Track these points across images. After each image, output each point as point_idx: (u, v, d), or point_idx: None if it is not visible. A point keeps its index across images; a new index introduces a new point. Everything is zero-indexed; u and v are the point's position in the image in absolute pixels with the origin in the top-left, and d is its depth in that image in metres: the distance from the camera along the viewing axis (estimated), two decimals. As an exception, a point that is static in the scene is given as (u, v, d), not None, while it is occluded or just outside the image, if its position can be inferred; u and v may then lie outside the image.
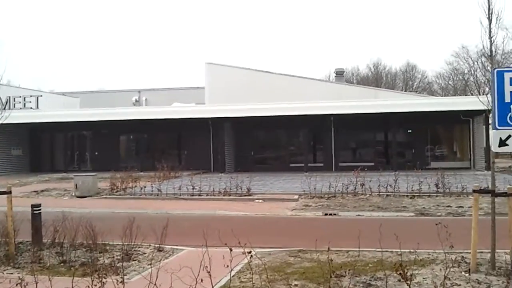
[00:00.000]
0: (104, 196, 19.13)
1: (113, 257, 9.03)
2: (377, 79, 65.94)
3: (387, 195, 17.08)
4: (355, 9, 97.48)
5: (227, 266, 5.67)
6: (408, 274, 6.32)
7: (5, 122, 29.22)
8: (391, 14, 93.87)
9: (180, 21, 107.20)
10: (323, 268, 7.70)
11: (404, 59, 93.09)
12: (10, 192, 8.89)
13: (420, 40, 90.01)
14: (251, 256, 5.77)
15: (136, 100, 40.22)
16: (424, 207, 14.96)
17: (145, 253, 9.46)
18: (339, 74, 41.65)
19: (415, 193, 17.00)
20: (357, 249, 9.37)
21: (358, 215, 14.27)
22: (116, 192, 19.60)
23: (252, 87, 31.38)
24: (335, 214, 14.38)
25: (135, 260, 8.90)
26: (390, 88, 56.79)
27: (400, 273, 6.20)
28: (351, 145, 32.05)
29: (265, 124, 29.94)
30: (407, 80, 67.60)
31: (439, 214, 14.06)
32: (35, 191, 20.89)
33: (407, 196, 16.89)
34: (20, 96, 31.86)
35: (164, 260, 8.93)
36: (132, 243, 9.52)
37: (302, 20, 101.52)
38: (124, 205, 16.96)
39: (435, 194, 16.93)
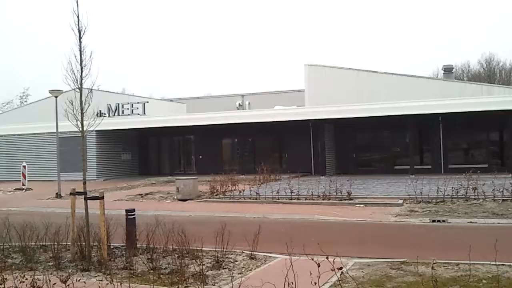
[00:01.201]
0: (204, 200, 19.24)
1: (204, 264, 8.78)
2: (489, 75, 61.53)
3: (503, 200, 15.47)
4: (461, 1, 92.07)
5: (321, 277, 5.14)
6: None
7: (115, 128, 30.98)
8: (503, 4, 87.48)
9: (279, 24, 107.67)
10: (429, 283, 6.90)
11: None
12: (102, 198, 8.93)
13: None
14: (342, 273, 5.20)
15: (239, 105, 40.63)
16: (547, 214, 13.34)
17: (236, 261, 9.11)
18: (448, 70, 39.19)
19: (536, 197, 15.27)
20: (469, 261, 8.40)
21: (470, 222, 12.99)
22: (216, 195, 19.67)
23: (354, 87, 30.32)
24: (443, 221, 13.20)
25: (225, 268, 8.57)
26: (504, 85, 52.74)
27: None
28: (461, 145, 29.89)
29: (367, 125, 28.80)
30: (524, 75, 62.47)
31: None
32: (140, 194, 21.54)
33: (526, 201, 15.22)
34: (128, 103, 33.33)
35: (255, 269, 8.57)
36: (225, 250, 9.25)
37: (406, 15, 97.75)
38: (223, 208, 16.92)
39: (560, 199, 15.10)
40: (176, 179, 20.50)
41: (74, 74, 9.29)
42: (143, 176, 32.45)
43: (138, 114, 32.64)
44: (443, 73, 40.52)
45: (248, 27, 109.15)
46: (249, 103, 40.57)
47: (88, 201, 9.30)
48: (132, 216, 10.23)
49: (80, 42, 9.36)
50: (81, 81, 9.38)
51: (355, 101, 27.52)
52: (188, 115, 33.65)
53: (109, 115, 33.18)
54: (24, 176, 26.84)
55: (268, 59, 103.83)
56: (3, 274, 6.57)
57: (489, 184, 16.51)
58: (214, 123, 30.21)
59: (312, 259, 5.42)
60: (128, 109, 33.08)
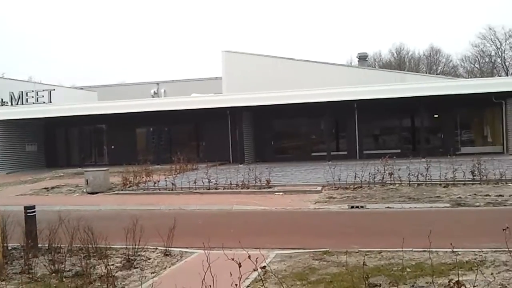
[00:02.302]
0: (116, 192, 18.19)
1: (113, 264, 7.98)
2: (400, 64, 63.92)
3: (418, 184, 15.75)
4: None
5: (242, 274, 4.60)
6: (454, 280, 5.13)
7: (18, 117, 28.81)
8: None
9: (195, 10, 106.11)
10: (354, 274, 6.57)
11: (427, 43, 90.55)
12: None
13: (443, 23, 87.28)
14: (265, 272, 4.69)
15: (154, 92, 39.36)
16: (460, 197, 13.63)
17: (150, 259, 8.38)
18: (362, 58, 40.12)
19: (449, 181, 15.64)
20: (391, 249, 8.21)
21: (388, 207, 13.00)
22: (129, 187, 18.65)
23: (271, 74, 30.11)
24: (362, 207, 13.14)
25: (137, 267, 7.82)
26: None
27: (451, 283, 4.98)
28: (375, 131, 30.61)
29: (285, 113, 28.70)
30: (431, 65, 65.49)
31: (477, 204, 12.76)
32: (45, 188, 20.05)
33: (440, 185, 15.54)
34: (32, 91, 31.03)
35: (169, 267, 7.90)
36: (136, 247, 8.48)
37: (320, 4, 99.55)
38: (136, 201, 16.03)
39: (471, 182, 15.57)
40: (85, 171, 19.25)
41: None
42: (50, 168, 30.45)
43: (44, 102, 30.47)
44: (358, 60, 41.47)
45: (165, 13, 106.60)
46: (164, 91, 39.41)
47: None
48: (32, 214, 9.19)
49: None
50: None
51: (273, 89, 27.29)
52: (98, 103, 32.02)
53: (11, 104, 30.77)
54: None
55: (185, 46, 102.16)
56: None
57: (404, 169, 16.77)
58: (127, 111, 28.85)
59: (232, 259, 4.80)
60: (32, 97, 30.77)
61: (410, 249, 7.98)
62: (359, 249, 8.27)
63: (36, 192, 19.27)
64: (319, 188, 16.26)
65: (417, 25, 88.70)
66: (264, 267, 4.87)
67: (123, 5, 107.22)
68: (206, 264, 5.20)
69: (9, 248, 8.90)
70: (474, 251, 7.81)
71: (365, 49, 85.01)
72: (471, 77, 54.81)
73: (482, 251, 7.74)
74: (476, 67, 61.69)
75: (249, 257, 4.57)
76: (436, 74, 50.95)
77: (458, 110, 28.49)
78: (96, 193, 18.06)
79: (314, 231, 10.77)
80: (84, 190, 18.53)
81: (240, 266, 4.57)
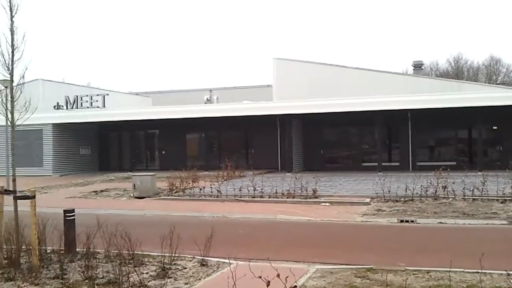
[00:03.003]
0: (163, 197, 18.18)
1: (147, 272, 7.79)
2: (457, 74, 61.83)
3: (473, 199, 14.87)
4: (431, 0, 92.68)
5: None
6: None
7: (72, 121, 29.46)
8: (471, 5, 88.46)
9: (249, 18, 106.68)
10: (397, 295, 6.10)
11: (487, 53, 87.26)
12: (33, 197, 7.78)
13: (504, 31, 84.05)
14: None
15: (207, 99, 39.44)
16: (518, 214, 12.75)
17: (185, 268, 8.13)
18: (417, 67, 38.92)
19: (507, 197, 14.68)
20: (441, 268, 7.64)
21: (440, 222, 12.30)
22: (175, 192, 18.62)
23: (323, 82, 29.54)
24: (412, 221, 12.49)
25: (171, 277, 7.57)
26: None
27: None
28: (430, 142, 29.48)
29: (336, 121, 28.13)
30: (491, 75, 62.96)
31: (537, 222, 11.86)
32: (94, 191, 20.32)
33: (497, 200, 14.61)
34: (87, 95, 31.80)
35: (204, 278, 7.62)
36: (173, 255, 8.28)
37: (376, 11, 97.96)
38: (181, 207, 15.92)
39: (531, 199, 14.56)
40: (133, 175, 19.38)
41: (4, 57, 8.15)
42: (103, 172, 31.07)
43: (98, 107, 31.14)
44: (413, 69, 40.27)
45: (219, 20, 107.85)
46: (217, 98, 39.47)
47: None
48: (71, 218, 9.16)
49: (12, 21, 8.27)
50: (12, 65, 8.22)
51: (323, 97, 26.78)
52: (151, 108, 32.39)
53: (67, 108, 31.60)
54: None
55: (237, 54, 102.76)
56: None
57: (458, 183, 15.92)
58: (178, 117, 29.06)
59: (260, 276, 4.45)
60: (87, 101, 31.51)
61: (462, 269, 7.43)
62: (406, 268, 7.75)
63: (85, 195, 19.55)
64: (367, 200, 15.66)
65: (477, 34, 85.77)
66: (295, 287, 4.47)
67: (179, 14, 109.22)
68: (243, 276, 4.93)
69: (48, 251, 8.91)
70: (533, 275, 7.12)
71: (421, 58, 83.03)
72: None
73: (544, 275, 7.06)
74: (539, 77, 58.90)
75: (278, 275, 4.19)
76: (496, 84, 48.87)
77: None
78: (143, 197, 18.11)
79: (359, 245, 10.26)
80: (132, 195, 18.63)
81: (268, 285, 4.20)
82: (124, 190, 20.05)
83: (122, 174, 28.01)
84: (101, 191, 20.47)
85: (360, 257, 8.92)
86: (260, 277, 4.34)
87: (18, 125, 23.14)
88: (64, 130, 30.81)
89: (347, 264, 8.22)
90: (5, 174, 20.24)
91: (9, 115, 8.35)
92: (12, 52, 8.19)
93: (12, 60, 8.17)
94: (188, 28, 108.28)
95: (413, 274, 7.44)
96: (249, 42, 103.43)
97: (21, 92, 8.49)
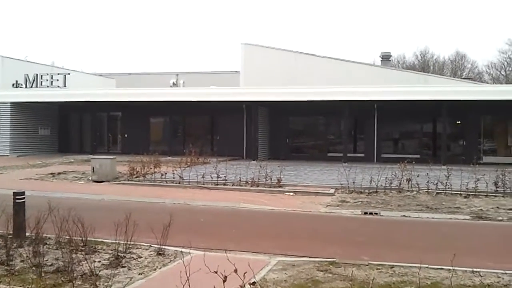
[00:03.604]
0: (122, 182, 17.62)
1: (100, 261, 7.36)
2: (423, 68, 62.61)
3: (437, 192, 14.85)
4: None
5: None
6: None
7: (31, 100, 28.45)
8: (439, 0, 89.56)
9: (217, 2, 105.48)
10: (361, 291, 5.87)
11: (453, 48, 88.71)
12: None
13: (470, 28, 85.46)
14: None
15: (173, 83, 38.68)
16: (481, 209, 12.75)
17: (141, 257, 7.71)
18: (385, 58, 39.06)
19: (470, 191, 14.70)
20: (405, 264, 7.45)
21: (403, 216, 12.18)
22: (135, 177, 18.06)
23: (292, 70, 29.33)
24: (376, 214, 12.34)
25: (124, 266, 7.16)
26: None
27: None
28: (395, 135, 29.64)
29: (302, 110, 27.94)
30: (456, 70, 64.03)
31: (500, 218, 11.88)
32: (51, 173, 19.58)
33: (460, 195, 14.64)
34: (47, 74, 30.65)
35: (160, 268, 7.22)
36: (128, 243, 7.86)
37: (346, 2, 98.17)
38: (141, 192, 15.43)
39: (494, 194, 14.63)
40: (92, 158, 18.75)
41: None
42: (62, 153, 30.13)
43: (58, 86, 30.07)
44: (381, 60, 40.43)
45: (188, 4, 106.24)
46: (183, 82, 38.79)
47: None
48: (21, 200, 8.60)
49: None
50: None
51: (291, 84, 26.53)
52: (114, 89, 31.60)
53: (26, 86, 30.43)
54: None
55: (207, 38, 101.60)
56: None
57: (423, 176, 15.92)
58: (142, 99, 28.36)
59: (215, 271, 4.10)
60: (47, 80, 30.38)
61: (426, 265, 7.22)
62: (370, 262, 7.53)
63: (42, 177, 18.80)
64: (332, 191, 15.49)
65: (444, 30, 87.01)
66: (254, 283, 4.14)
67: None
68: (201, 267, 4.59)
69: (-7, 236, 8.36)
70: (497, 273, 7.01)
71: (389, 50, 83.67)
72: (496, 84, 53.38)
73: (506, 273, 6.95)
74: (502, 74, 60.20)
75: (236, 271, 3.85)
76: (461, 79, 49.69)
77: (482, 118, 27.45)
78: (102, 181, 17.52)
79: (322, 237, 10.04)
80: (90, 178, 18.00)
81: (225, 281, 3.86)
82: (82, 173, 19.38)
83: (82, 157, 27.17)
84: (59, 173, 19.73)
85: (323, 249, 8.70)
86: (216, 272, 3.99)
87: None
88: (23, 109, 29.68)
89: (309, 257, 7.96)
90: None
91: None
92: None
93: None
94: (158, 11, 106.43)
95: (377, 268, 7.23)
96: (219, 27, 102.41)
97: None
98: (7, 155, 28.38)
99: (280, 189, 15.79)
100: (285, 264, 7.52)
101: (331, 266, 7.37)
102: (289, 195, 15.09)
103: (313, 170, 21.53)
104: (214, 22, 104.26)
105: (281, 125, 29.54)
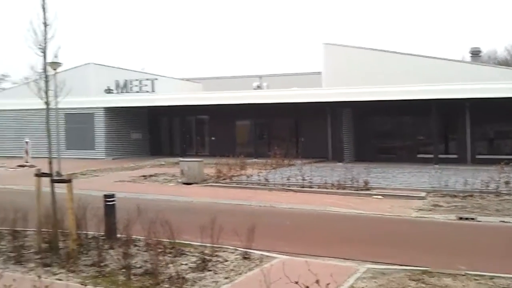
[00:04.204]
0: (210, 184, 17.88)
1: (187, 264, 7.43)
2: (517, 63, 58.69)
3: (540, 196, 13.80)
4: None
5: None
6: None
7: (122, 105, 29.64)
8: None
9: (296, 5, 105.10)
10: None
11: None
12: (70, 181, 7.54)
13: None
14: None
15: (257, 86, 38.98)
16: None
17: (227, 260, 7.71)
18: (475, 54, 36.93)
19: None
20: (506, 274, 6.91)
21: (502, 221, 11.39)
22: (222, 179, 18.27)
23: (375, 69, 28.37)
24: (472, 219, 11.61)
25: (211, 270, 7.17)
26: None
27: None
28: (490, 134, 27.90)
29: (388, 110, 27.04)
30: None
31: None
32: (143, 176, 20.29)
33: None
34: (136, 80, 31.89)
35: (245, 273, 7.16)
36: (215, 246, 7.91)
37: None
38: (228, 195, 15.56)
39: None
40: (181, 161, 19.19)
41: (36, 34, 7.80)
42: (154, 156, 31.25)
43: (147, 91, 31.21)
44: (471, 56, 38.30)
45: (271, 8, 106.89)
46: (267, 85, 38.97)
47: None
48: (111, 203, 8.91)
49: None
50: (45, 43, 7.87)
51: (375, 84, 25.71)
52: (200, 93, 32.24)
53: (117, 92, 31.84)
54: (27, 152, 25.78)
55: (289, 40, 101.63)
56: None
57: (523, 178, 14.84)
58: (228, 102, 28.76)
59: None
60: (136, 86, 31.64)
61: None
62: (466, 272, 7.05)
63: (134, 179, 19.53)
64: (423, 194, 14.79)
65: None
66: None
67: (232, 1, 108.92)
68: (287, 272, 4.50)
69: (89, 236, 8.70)
70: None
71: (478, 46, 79.45)
72: None
73: None
74: None
75: (317, 281, 3.67)
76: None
77: None
78: (191, 183, 17.87)
79: (414, 243, 9.57)
80: (179, 180, 18.44)
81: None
82: (172, 176, 19.91)
83: (173, 159, 27.95)
84: (150, 175, 20.41)
85: (415, 257, 8.26)
86: (296, 282, 3.83)
87: (72, 109, 23.50)
88: (115, 114, 31.07)
89: (400, 265, 7.60)
90: (53, 156, 20.50)
91: (49, 98, 8.06)
92: (45, 29, 7.86)
93: (45, 38, 7.85)
94: (241, 15, 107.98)
95: (475, 279, 6.75)
96: (300, 28, 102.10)
97: (52, 77, 8.17)
98: (103, 158, 29.83)
99: (367, 192, 15.33)
100: (374, 272, 7.21)
101: (424, 275, 6.98)
102: (377, 198, 14.61)
103: (402, 172, 20.74)
104: (295, 23, 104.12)
105: (366, 126, 28.80)
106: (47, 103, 7.88)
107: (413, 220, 11.76)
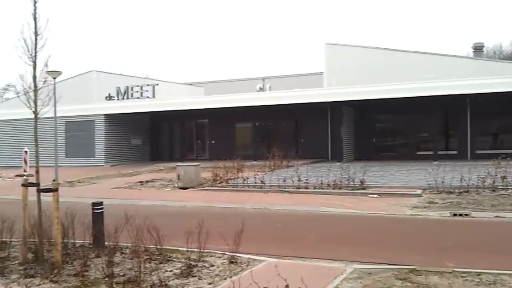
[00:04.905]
0: (206, 188, 17.85)
1: (171, 270, 7.37)
2: (522, 57, 58.35)
3: (536, 191, 13.68)
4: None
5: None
6: None
7: (123, 112, 29.72)
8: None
9: (295, 5, 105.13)
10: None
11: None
12: (56, 190, 7.50)
13: None
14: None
15: (260, 88, 38.90)
16: None
17: (213, 265, 7.63)
18: (478, 49, 36.70)
19: None
20: (494, 270, 6.81)
21: (497, 216, 11.28)
22: (218, 183, 18.24)
23: (377, 67, 28.24)
24: (466, 215, 11.52)
25: (195, 276, 7.10)
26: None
27: None
28: (490, 130, 27.71)
29: (389, 108, 26.95)
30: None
31: None
32: (140, 182, 20.29)
33: None
34: (137, 86, 31.97)
35: (230, 278, 7.06)
36: (202, 251, 7.84)
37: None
38: (223, 198, 15.52)
39: None
40: (177, 165, 19.17)
41: (26, 43, 7.79)
42: (153, 162, 31.28)
43: (148, 97, 31.26)
44: (473, 51, 38.05)
45: (272, 9, 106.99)
46: (270, 87, 38.90)
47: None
48: (99, 211, 8.85)
49: (35, 7, 7.95)
50: (35, 52, 7.87)
51: (376, 82, 25.58)
52: (200, 97, 32.27)
53: (118, 99, 31.91)
54: (25, 162, 25.77)
55: (291, 41, 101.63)
56: None
57: (520, 173, 14.72)
58: (227, 105, 28.73)
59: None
60: (137, 92, 31.70)
61: (519, 273, 6.56)
62: (454, 269, 6.95)
63: (131, 185, 19.53)
64: (419, 192, 14.71)
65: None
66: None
67: (232, 4, 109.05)
68: (273, 275, 4.40)
69: (77, 245, 8.65)
70: None
71: (483, 41, 79.20)
72: None
73: None
74: None
75: (302, 280, 3.60)
76: None
77: None
78: (187, 188, 17.86)
79: (405, 242, 9.47)
80: (176, 185, 18.42)
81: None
82: (169, 181, 19.90)
83: (172, 164, 27.87)
84: (147, 181, 20.42)
85: (404, 255, 8.18)
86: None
87: (72, 117, 23.53)
88: (115, 120, 31.16)
89: (388, 264, 7.51)
90: (53, 165, 20.55)
91: (37, 108, 8.02)
92: (36, 39, 7.85)
93: (35, 47, 7.84)
94: (242, 18, 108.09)
95: (462, 276, 6.64)
96: (302, 28, 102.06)
97: (44, 87, 8.15)
98: (102, 165, 29.86)
99: (363, 191, 15.26)
100: (361, 273, 7.12)
101: (411, 274, 6.88)
102: (372, 197, 14.52)
103: (400, 170, 20.63)
104: (297, 23, 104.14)
105: (366, 124, 28.73)
106: (35, 112, 7.84)
107: (407, 218, 11.67)
